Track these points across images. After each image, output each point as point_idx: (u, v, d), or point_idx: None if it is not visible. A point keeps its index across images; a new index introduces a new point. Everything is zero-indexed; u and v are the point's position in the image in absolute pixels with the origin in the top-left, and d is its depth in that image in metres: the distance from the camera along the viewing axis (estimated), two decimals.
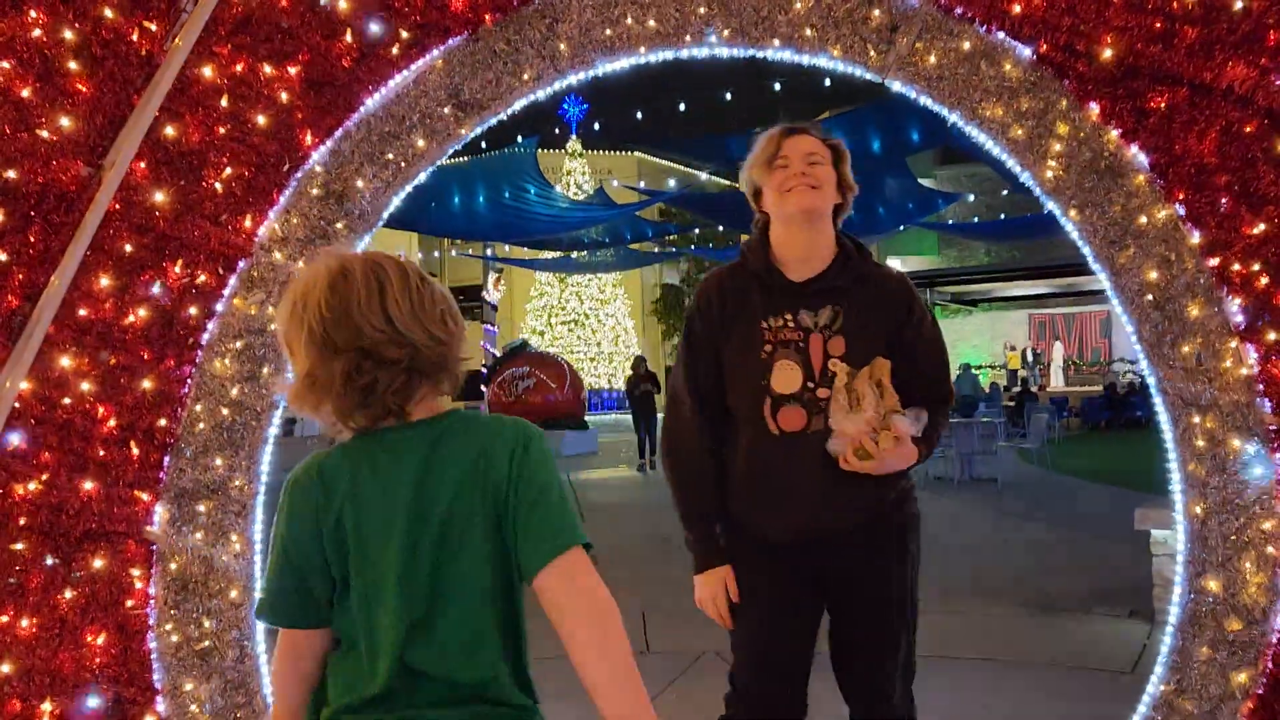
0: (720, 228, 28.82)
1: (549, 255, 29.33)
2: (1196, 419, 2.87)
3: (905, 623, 2.54)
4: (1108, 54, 2.89)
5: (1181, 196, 2.86)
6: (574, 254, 27.53)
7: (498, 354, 26.96)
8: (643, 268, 38.03)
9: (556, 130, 33.17)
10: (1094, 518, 9.74)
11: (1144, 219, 2.91)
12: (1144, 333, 2.94)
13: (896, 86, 3.14)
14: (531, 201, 19.23)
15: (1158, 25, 2.83)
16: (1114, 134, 2.92)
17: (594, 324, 37.93)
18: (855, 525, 2.45)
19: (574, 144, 35.97)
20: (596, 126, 30.75)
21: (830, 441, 2.37)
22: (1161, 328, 2.91)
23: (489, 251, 31.58)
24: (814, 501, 2.40)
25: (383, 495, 1.51)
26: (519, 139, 17.81)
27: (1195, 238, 2.86)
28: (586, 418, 22.34)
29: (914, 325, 2.50)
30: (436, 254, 40.57)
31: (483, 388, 27.88)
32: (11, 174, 2.68)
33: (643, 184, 30.70)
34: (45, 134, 2.72)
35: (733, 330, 2.49)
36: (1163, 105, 2.86)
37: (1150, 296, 2.91)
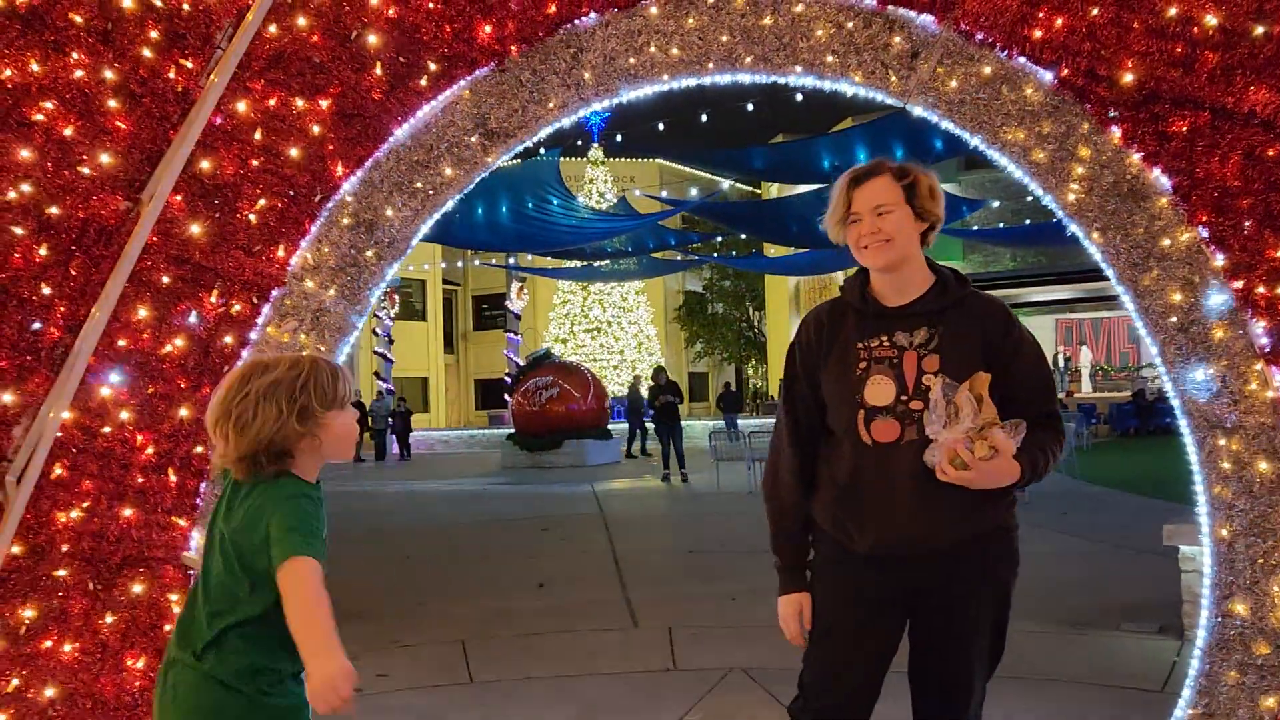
0: (743, 235, 28.80)
1: (572, 264, 29.45)
2: (1222, 441, 2.87)
3: (984, 666, 2.55)
4: (1129, 78, 2.90)
5: (1204, 220, 2.87)
6: (597, 263, 27.62)
7: (521, 363, 27.07)
8: (665, 275, 38.11)
9: (579, 142, 33.29)
10: (1123, 529, 9.65)
11: (1167, 241, 2.92)
12: (1168, 355, 2.95)
13: (918, 111, 3.17)
14: (554, 212, 19.35)
15: (1179, 50, 2.84)
16: (1136, 157, 2.93)
17: (616, 331, 38.02)
18: (948, 546, 2.44)
19: (596, 152, 36.15)
20: (619, 138, 30.88)
21: (927, 452, 2.38)
22: (1186, 350, 2.91)
23: (512, 260, 31.73)
24: (904, 511, 2.41)
25: (226, 516, 2.06)
26: (541, 150, 17.92)
27: (1219, 260, 2.86)
28: (609, 426, 22.34)
29: (1012, 346, 2.51)
30: (460, 264, 40.86)
31: (506, 397, 27.98)
32: (54, 210, 2.76)
33: (665, 192, 30.74)
34: (86, 170, 2.80)
35: (830, 354, 2.55)
36: (1184, 129, 2.87)
37: (1174, 319, 2.92)
